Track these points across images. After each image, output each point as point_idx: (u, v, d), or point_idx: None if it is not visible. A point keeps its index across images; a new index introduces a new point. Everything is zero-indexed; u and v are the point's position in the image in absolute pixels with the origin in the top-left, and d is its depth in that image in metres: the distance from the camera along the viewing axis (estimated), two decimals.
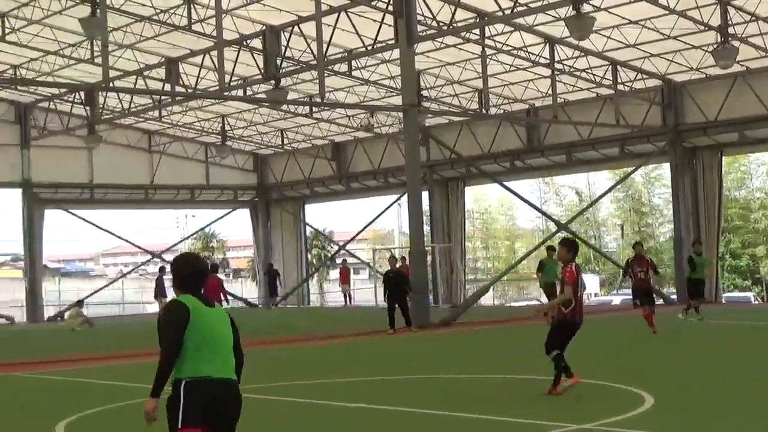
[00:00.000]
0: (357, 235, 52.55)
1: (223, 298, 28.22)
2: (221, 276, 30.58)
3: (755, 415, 10.55)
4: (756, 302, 50.15)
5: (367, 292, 51.63)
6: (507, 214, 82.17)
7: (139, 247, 52.07)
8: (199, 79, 33.03)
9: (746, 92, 33.78)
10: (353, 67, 33.96)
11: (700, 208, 36.00)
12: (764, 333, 21.15)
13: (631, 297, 24.26)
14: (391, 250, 58.37)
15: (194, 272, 6.66)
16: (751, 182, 68.26)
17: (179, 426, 6.22)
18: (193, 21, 29.99)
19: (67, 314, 38.10)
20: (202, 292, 6.54)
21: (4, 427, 12.01)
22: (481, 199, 79.76)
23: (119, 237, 46.61)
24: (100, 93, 36.82)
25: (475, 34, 30.03)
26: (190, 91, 34.61)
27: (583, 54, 32.36)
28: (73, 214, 45.18)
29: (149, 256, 51.33)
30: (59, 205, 44.63)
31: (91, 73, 35.23)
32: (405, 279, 27.20)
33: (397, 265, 29.26)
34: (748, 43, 29.13)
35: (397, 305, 26.45)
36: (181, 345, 6.31)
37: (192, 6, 29.85)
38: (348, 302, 47.00)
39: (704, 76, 34.43)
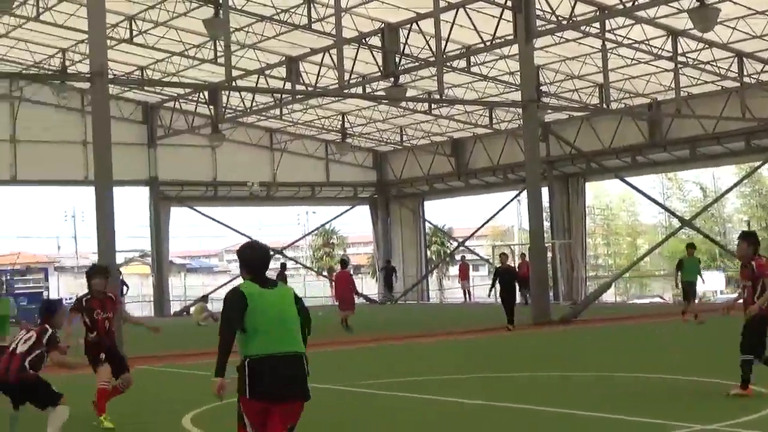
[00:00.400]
0: (476, 231, 52.48)
1: (354, 292, 28.73)
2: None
3: None
4: None
5: (487, 289, 51.41)
6: (628, 210, 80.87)
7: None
8: (319, 77, 33.44)
9: None
10: (472, 63, 33.91)
11: None
12: None
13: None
14: (511, 247, 58.12)
15: (255, 258, 7.29)
16: None
17: (247, 397, 6.86)
18: (312, 20, 30.37)
19: (192, 309, 38.99)
20: (275, 276, 7.33)
21: (133, 418, 12.39)
22: (602, 194, 78.65)
23: (242, 233, 47.40)
24: (223, 92, 37.59)
25: (596, 27, 29.67)
26: (310, 89, 35.05)
27: (707, 46, 31.63)
28: (197, 211, 46.22)
29: (272, 253, 52.13)
30: (184, 203, 45.71)
31: (214, 73, 35.99)
32: (515, 276, 26.94)
33: (509, 262, 28.91)
34: None
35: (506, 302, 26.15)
36: (235, 327, 6.92)
37: (312, 5, 30.24)
38: (467, 299, 46.93)
39: None
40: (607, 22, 29.45)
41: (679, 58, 31.94)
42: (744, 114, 34.60)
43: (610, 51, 31.77)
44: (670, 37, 30.72)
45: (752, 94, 34.84)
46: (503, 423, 11.31)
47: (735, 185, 49.35)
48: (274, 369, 6.85)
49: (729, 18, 28.34)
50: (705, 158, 39.72)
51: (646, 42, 31.22)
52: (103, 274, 12.01)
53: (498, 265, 28.08)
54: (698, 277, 26.12)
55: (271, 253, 7.93)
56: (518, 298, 27.06)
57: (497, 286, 26.80)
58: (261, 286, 7.08)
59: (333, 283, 30.63)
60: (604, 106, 35.62)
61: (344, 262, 31.49)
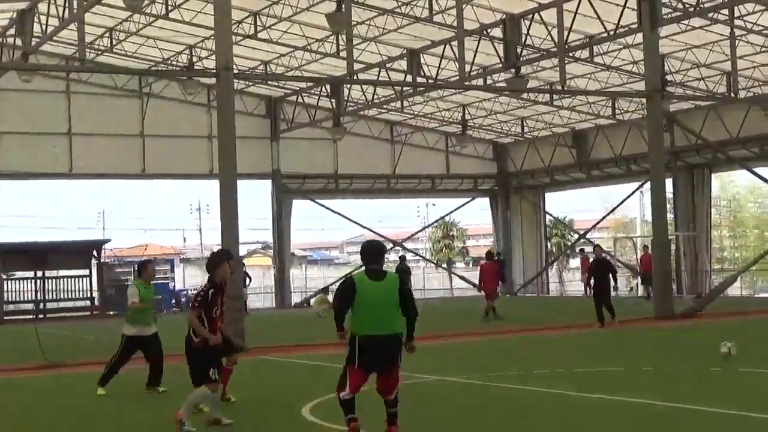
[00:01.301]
0: (597, 223, 51.84)
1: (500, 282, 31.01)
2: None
3: None
4: None
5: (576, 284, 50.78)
6: (757, 202, 78.72)
7: (382, 236, 53.16)
8: (440, 70, 33.37)
9: None
10: (594, 53, 33.32)
11: None
12: None
13: None
14: (633, 240, 57.12)
15: (367, 252, 9.25)
16: None
17: (354, 366, 9.12)
18: (434, 12, 30.29)
19: (313, 301, 39.37)
20: (395, 268, 8.63)
21: (256, 406, 12.56)
22: (728, 186, 76.66)
23: (362, 226, 47.71)
24: (344, 86, 37.84)
25: (724, 14, 28.87)
26: (431, 81, 34.99)
27: None
28: (318, 203, 46.64)
29: (391, 245, 52.36)
30: (306, 195, 46.19)
31: (336, 67, 36.25)
32: (610, 269, 25.43)
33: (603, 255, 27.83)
34: None
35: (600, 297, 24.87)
36: (345, 309, 9.07)
37: None
38: (588, 292, 46.28)
39: None
40: (736, 8, 28.62)
41: None
42: None
43: (739, 38, 30.89)
44: None
45: None
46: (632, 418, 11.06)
47: None
48: (372, 347, 8.98)
49: None
50: None
51: None
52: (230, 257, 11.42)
53: (593, 258, 27.14)
54: None
55: (386, 247, 10.20)
56: (614, 291, 25.68)
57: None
58: (369, 277, 9.03)
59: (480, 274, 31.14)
60: (732, 95, 34.68)
61: (490, 254, 32.39)
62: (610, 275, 25.04)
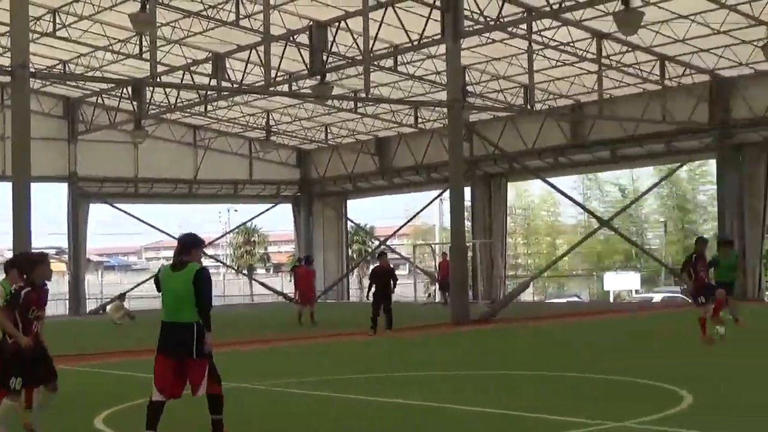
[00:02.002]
0: (398, 230, 52.59)
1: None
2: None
3: None
4: None
5: (407, 288, 51.55)
6: (549, 210, 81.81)
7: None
8: (245, 75, 33.17)
9: None
10: (399, 62, 33.89)
11: (745, 206, 35.58)
12: None
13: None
14: (433, 246, 58.32)
15: (178, 244, 9.41)
16: None
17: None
18: (240, 16, 30.09)
19: (109, 307, 38.31)
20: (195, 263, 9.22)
21: (47, 418, 12.09)
22: (524, 194, 79.43)
23: (162, 231, 46.80)
24: (147, 88, 37.02)
25: (522, 29, 29.89)
26: (236, 86, 34.71)
27: (630, 49, 32.10)
28: (117, 208, 45.46)
29: None
30: (104, 199, 44.95)
31: (138, 68, 35.42)
32: (393, 277, 25.02)
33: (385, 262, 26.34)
34: None
35: (381, 305, 24.55)
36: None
37: (240, 2, 29.94)
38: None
39: (753, 71, 34.03)
40: (534, 23, 29.67)
41: (603, 61, 32.34)
42: (664, 117, 35.19)
43: (536, 52, 32.05)
44: (595, 39, 31.11)
45: (673, 97, 35.44)
46: (401, 420, 11.23)
47: (653, 187, 50.27)
48: (165, 333, 9.23)
49: (653, 21, 28.80)
50: (625, 160, 40.31)
51: (572, 44, 31.56)
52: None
53: (375, 266, 26.42)
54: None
55: (197, 241, 9.59)
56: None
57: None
58: (171, 268, 9.32)
59: (294, 279, 30.83)
60: (528, 107, 35.91)
61: (309, 259, 32.57)
62: (392, 282, 24.81)
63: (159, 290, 9.40)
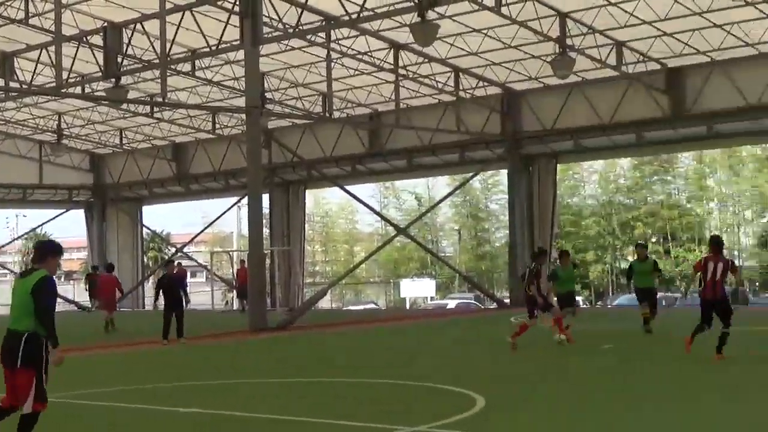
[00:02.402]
0: (195, 237, 51.91)
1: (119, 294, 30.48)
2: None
3: (582, 417, 10.86)
4: (585, 306, 51.87)
5: (205, 295, 51.00)
6: (347, 218, 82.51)
7: None
8: (35, 75, 31.95)
9: (581, 102, 34.95)
10: (197, 67, 33.51)
11: (534, 214, 36.99)
12: (591, 336, 21.72)
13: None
14: (230, 253, 57.83)
15: (34, 251, 9.14)
16: (583, 190, 70.61)
17: None
18: (30, 14, 29.01)
19: None
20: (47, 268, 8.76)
21: None
22: (322, 202, 79.89)
23: None
24: None
25: (321, 37, 30.06)
26: (25, 87, 33.43)
27: (426, 60, 32.81)
28: None
29: None
30: None
31: None
32: (182, 285, 24.58)
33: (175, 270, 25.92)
34: (584, 55, 30.03)
35: (174, 314, 23.85)
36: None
37: None
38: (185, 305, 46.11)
39: (542, 85, 35.43)
40: (332, 32, 29.91)
41: (400, 71, 32.93)
42: (459, 127, 36.11)
43: (335, 61, 32.31)
44: (392, 49, 31.62)
45: (467, 108, 36.44)
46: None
47: (447, 195, 51.41)
48: (3, 341, 8.70)
49: (448, 34, 29.51)
50: (421, 168, 41.17)
51: (370, 53, 31.97)
52: None
53: (163, 274, 25.30)
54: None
55: (52, 248, 9.07)
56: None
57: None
58: (21, 274, 9.05)
59: (90, 286, 30.09)
60: (327, 114, 36.14)
61: (111, 266, 32.59)
62: (182, 291, 24.20)
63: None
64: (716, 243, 15.98)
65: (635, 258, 21.44)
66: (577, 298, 21.77)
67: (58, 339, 8.63)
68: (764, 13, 27.72)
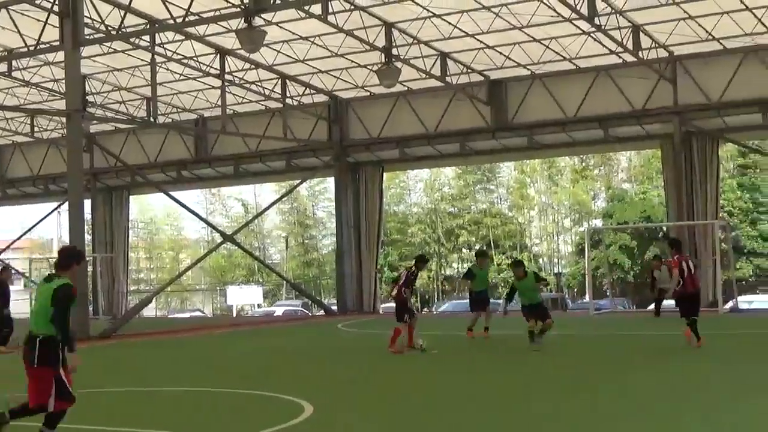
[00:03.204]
0: (12, 244, 50.01)
1: None
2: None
3: (403, 419, 11.00)
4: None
5: (23, 303, 49.22)
6: (173, 225, 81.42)
7: None
8: None
9: (407, 111, 35.46)
10: (14, 68, 32.36)
11: (361, 222, 37.26)
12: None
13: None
14: (50, 260, 56.01)
15: (58, 256, 9.35)
16: (409, 197, 71.69)
17: None
18: None
19: None
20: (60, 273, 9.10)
21: None
22: (147, 208, 78.56)
23: None
24: None
25: (145, 40, 29.49)
26: None
27: (253, 66, 32.63)
28: None
29: None
30: None
31: None
32: (6, 293, 23.92)
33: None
34: (410, 65, 30.46)
35: None
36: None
37: None
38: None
39: (369, 94, 35.77)
40: (157, 35, 29.38)
41: (226, 77, 32.63)
42: (285, 134, 36.02)
43: (160, 65, 31.74)
44: (219, 55, 31.31)
45: (293, 115, 36.39)
46: None
47: (274, 202, 51.20)
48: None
49: (275, 41, 29.46)
50: (248, 175, 40.90)
51: (195, 58, 31.57)
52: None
53: None
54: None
55: (71, 254, 9.38)
56: None
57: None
58: (44, 279, 9.22)
59: None
60: (152, 119, 35.45)
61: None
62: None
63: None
64: (679, 244, 18.26)
65: (514, 278, 19.48)
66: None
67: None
68: (581, 29, 28.73)
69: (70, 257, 9.31)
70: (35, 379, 9.07)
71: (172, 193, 39.16)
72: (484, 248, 29.10)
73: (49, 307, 8.93)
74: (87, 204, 36.22)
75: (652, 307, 28.16)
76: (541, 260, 68.42)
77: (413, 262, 19.55)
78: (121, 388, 15.47)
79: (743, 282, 48.81)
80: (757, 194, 56.47)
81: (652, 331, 22.83)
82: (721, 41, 29.79)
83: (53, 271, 9.33)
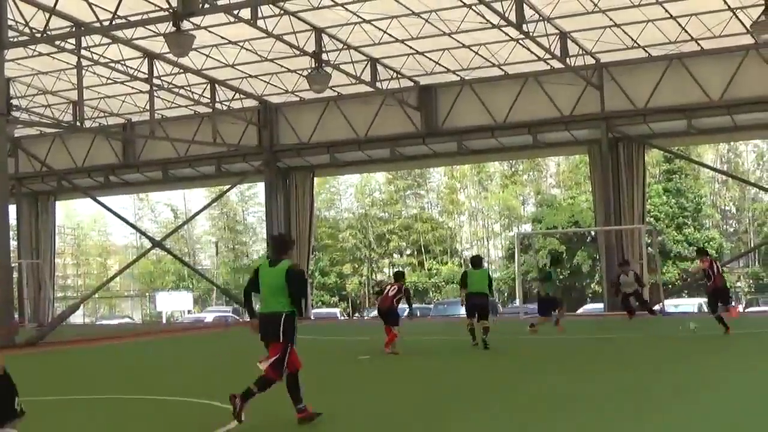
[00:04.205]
0: None
1: None
2: None
3: (334, 420, 10.98)
4: (342, 318, 52.52)
5: None
6: (100, 231, 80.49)
7: None
8: None
9: (338, 116, 35.46)
10: None
11: (292, 227, 37.13)
12: (352, 346, 22.01)
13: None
14: None
15: (272, 243, 10.85)
16: (340, 203, 71.67)
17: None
18: None
19: None
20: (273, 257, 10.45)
21: None
22: (74, 214, 77.53)
23: None
24: None
25: (71, 43, 29.04)
26: None
27: (182, 71, 32.37)
28: None
29: None
30: None
31: None
32: None
33: None
34: (340, 70, 30.49)
35: None
36: (248, 289, 10.61)
37: None
38: None
39: (299, 99, 35.70)
40: (83, 39, 28.96)
41: (155, 81, 32.31)
42: (215, 139, 35.77)
43: (86, 68, 31.29)
44: (147, 59, 30.99)
45: (223, 120, 36.16)
46: None
47: (204, 208, 50.74)
48: (261, 321, 10.30)
49: (204, 45, 29.21)
50: (177, 180, 40.59)
51: (123, 62, 31.21)
52: None
53: None
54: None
55: (289, 241, 10.98)
56: None
57: None
58: (268, 264, 10.41)
59: None
60: (78, 124, 34.97)
61: None
62: None
63: (250, 281, 10.47)
64: (705, 251, 22.03)
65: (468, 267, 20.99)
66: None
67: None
68: (509, 36, 28.96)
69: (287, 244, 10.69)
70: (276, 352, 10.25)
71: (99, 199, 38.83)
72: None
73: (284, 287, 10.14)
74: (12, 209, 35.54)
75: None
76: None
77: (397, 279, 20.21)
78: (44, 397, 15.22)
79: (670, 285, 49.55)
80: (682, 199, 57.46)
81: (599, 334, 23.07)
82: (646, 49, 30.32)
83: (273, 257, 10.49)
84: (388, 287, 20.24)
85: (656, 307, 29.51)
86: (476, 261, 21.05)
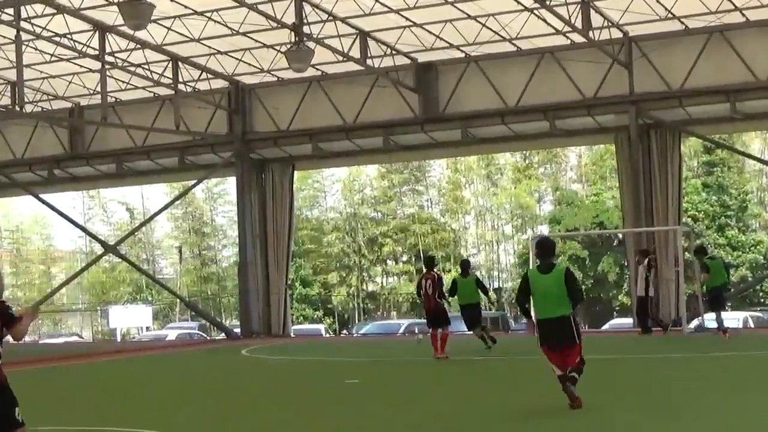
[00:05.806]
0: None
1: None
2: None
3: None
4: (327, 335, 52.49)
5: None
6: (43, 233, 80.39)
7: None
8: None
9: (322, 100, 35.43)
10: None
11: (269, 229, 37.10)
12: (336, 368, 22.02)
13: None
14: None
15: (539, 248, 12.91)
16: (324, 201, 71.68)
17: (539, 344, 12.70)
18: None
19: None
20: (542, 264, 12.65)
21: None
22: (12, 214, 77.50)
23: None
24: None
25: (9, 14, 28.97)
26: None
27: (139, 46, 32.30)
28: None
29: None
30: None
31: None
32: None
33: None
34: (324, 45, 30.43)
35: None
36: (521, 299, 12.99)
37: None
38: None
39: (276, 79, 35.69)
40: (23, 8, 28.87)
41: (107, 58, 32.19)
42: (178, 126, 35.66)
43: (26, 43, 31.22)
44: (98, 32, 30.89)
45: (187, 104, 36.09)
46: None
47: (165, 207, 50.73)
48: (543, 327, 12.48)
49: (164, 16, 29.14)
50: (133, 174, 40.54)
51: (69, 36, 31.13)
52: None
53: None
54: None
55: (555, 244, 13.40)
56: None
57: None
58: (539, 271, 12.63)
59: None
60: (18, 108, 34.97)
61: None
62: None
63: (522, 290, 12.77)
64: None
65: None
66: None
67: None
68: (523, 5, 28.96)
69: (553, 248, 12.97)
70: (574, 352, 12.46)
71: (42, 196, 38.85)
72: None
73: (564, 291, 12.27)
74: None
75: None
76: (478, 273, 68.93)
77: (428, 267, 21.78)
78: None
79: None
80: (724, 196, 57.53)
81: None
82: (682, 20, 30.32)
83: (542, 261, 12.67)
84: (423, 283, 20.74)
85: (693, 324, 29.60)
86: (464, 266, 22.14)
